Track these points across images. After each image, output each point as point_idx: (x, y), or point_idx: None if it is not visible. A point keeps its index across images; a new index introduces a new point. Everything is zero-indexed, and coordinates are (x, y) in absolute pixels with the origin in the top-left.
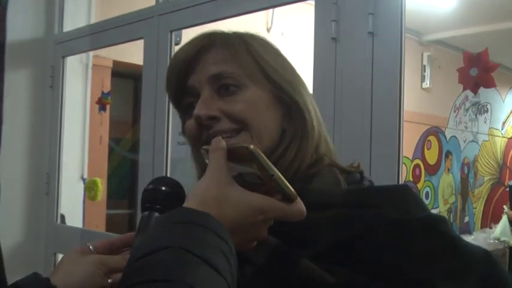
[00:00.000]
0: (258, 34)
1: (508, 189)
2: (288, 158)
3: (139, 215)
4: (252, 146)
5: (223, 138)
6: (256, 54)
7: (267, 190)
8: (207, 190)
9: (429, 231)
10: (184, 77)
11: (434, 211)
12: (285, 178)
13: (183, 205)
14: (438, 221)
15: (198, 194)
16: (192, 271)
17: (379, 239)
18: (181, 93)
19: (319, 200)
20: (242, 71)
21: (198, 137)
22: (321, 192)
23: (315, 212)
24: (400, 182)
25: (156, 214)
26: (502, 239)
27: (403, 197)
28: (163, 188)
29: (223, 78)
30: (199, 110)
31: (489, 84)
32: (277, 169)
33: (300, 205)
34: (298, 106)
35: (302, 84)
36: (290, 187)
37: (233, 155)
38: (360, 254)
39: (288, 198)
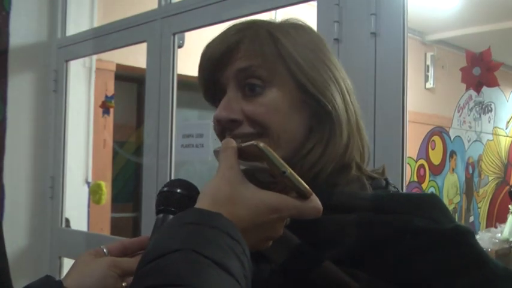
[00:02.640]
0: (297, 23)
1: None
2: (310, 161)
3: (144, 218)
4: (261, 144)
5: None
6: (284, 51)
7: (281, 188)
8: (218, 189)
9: (457, 243)
10: (213, 73)
11: None
12: (305, 181)
13: (195, 206)
14: (465, 233)
15: (209, 193)
16: (204, 274)
17: (405, 247)
18: (213, 90)
19: (345, 202)
20: (268, 69)
21: (222, 137)
22: (348, 195)
23: (340, 214)
24: (404, 183)
25: (171, 217)
26: (511, 239)
27: (430, 206)
28: (178, 191)
29: (249, 75)
30: (220, 112)
31: (492, 83)
32: (298, 171)
33: (315, 202)
34: (325, 109)
35: (334, 84)
36: (304, 183)
37: (244, 154)
38: (384, 261)
39: (302, 195)
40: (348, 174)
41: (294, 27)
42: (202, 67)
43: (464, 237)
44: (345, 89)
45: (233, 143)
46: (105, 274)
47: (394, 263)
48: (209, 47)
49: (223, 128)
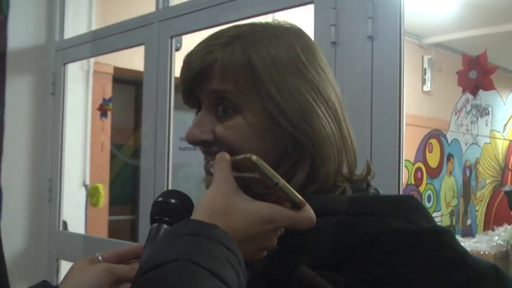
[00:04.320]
0: (280, 27)
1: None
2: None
3: (141, 221)
4: (254, 157)
5: (210, 163)
6: (259, 80)
7: (276, 199)
8: (214, 201)
9: (433, 243)
10: (190, 86)
11: (436, 214)
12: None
13: (191, 217)
14: (443, 233)
15: (204, 205)
16: (200, 284)
17: (381, 248)
18: (190, 99)
19: (321, 206)
20: (240, 95)
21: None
22: (324, 199)
23: (317, 218)
24: (401, 186)
25: (165, 226)
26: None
27: (407, 207)
28: (173, 201)
29: (222, 98)
30: (191, 133)
31: (488, 86)
32: None
33: (308, 212)
34: (298, 138)
35: (319, 107)
36: (297, 194)
37: (238, 167)
38: (360, 263)
39: (296, 206)
40: (334, 191)
41: (277, 36)
42: (181, 77)
43: (443, 237)
44: (329, 105)
45: (227, 156)
46: (100, 280)
47: (371, 265)
48: (189, 58)
49: None
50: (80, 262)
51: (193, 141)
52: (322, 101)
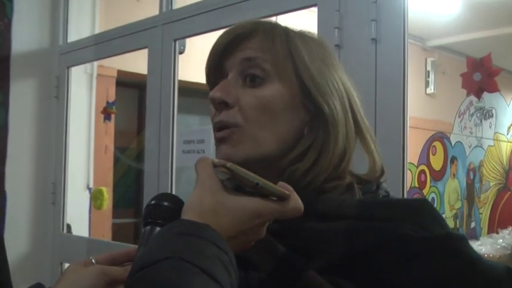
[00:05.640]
0: (311, 33)
1: None
2: (301, 168)
3: None
4: (228, 164)
5: (221, 131)
6: (295, 51)
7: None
8: (202, 200)
9: (444, 250)
10: (220, 59)
11: None
12: (295, 190)
13: (181, 217)
14: (456, 239)
15: (193, 205)
16: (192, 282)
17: (390, 255)
18: (215, 74)
19: (330, 209)
20: (274, 63)
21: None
22: (333, 202)
23: (326, 222)
24: (405, 188)
25: (158, 229)
26: None
27: (419, 212)
28: (166, 204)
29: (253, 65)
30: (215, 91)
31: (492, 88)
32: (288, 179)
33: (294, 202)
34: (323, 115)
35: (339, 95)
36: (278, 188)
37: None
38: (369, 269)
39: (281, 198)
40: (339, 181)
41: (311, 38)
42: (211, 51)
43: (455, 243)
44: (347, 104)
45: (208, 158)
46: (93, 282)
47: (380, 272)
48: (224, 33)
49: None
50: (74, 265)
51: (216, 100)
52: (346, 94)
